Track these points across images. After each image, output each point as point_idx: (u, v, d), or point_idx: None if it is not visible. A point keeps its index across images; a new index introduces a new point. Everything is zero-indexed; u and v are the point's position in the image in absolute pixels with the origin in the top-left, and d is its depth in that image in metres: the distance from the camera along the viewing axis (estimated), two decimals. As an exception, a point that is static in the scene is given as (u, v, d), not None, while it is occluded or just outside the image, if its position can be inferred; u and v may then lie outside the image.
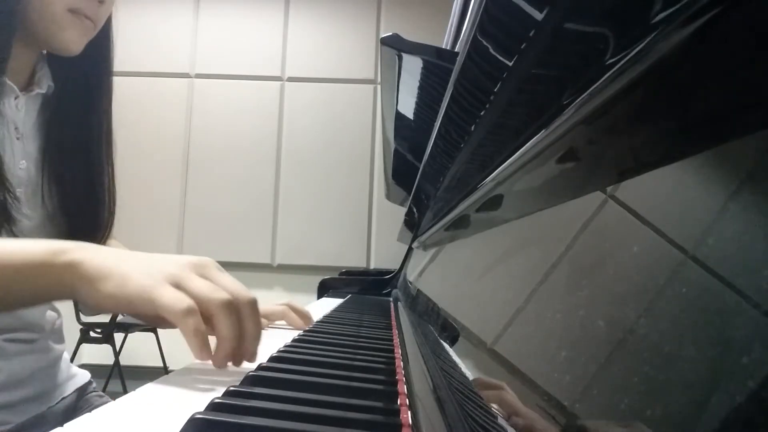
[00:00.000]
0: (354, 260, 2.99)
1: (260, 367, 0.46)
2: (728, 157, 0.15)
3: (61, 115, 0.76)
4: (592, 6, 0.23)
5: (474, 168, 0.52)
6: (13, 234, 0.67)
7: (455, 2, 1.31)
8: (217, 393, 0.37)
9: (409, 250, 1.48)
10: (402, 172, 1.59)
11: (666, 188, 0.19)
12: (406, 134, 1.38)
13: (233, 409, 0.33)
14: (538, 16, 0.27)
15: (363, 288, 1.62)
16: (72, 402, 0.82)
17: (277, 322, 0.88)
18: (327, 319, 0.88)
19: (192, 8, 3.17)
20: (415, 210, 1.24)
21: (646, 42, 0.18)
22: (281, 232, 3.07)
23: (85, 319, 2.51)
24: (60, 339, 0.82)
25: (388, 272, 1.64)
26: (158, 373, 0.46)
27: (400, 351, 0.61)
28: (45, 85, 0.74)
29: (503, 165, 0.38)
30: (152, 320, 0.50)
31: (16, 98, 0.71)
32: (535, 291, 0.29)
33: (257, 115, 3.10)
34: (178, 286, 0.46)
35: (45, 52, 0.76)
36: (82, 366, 0.90)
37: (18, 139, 0.71)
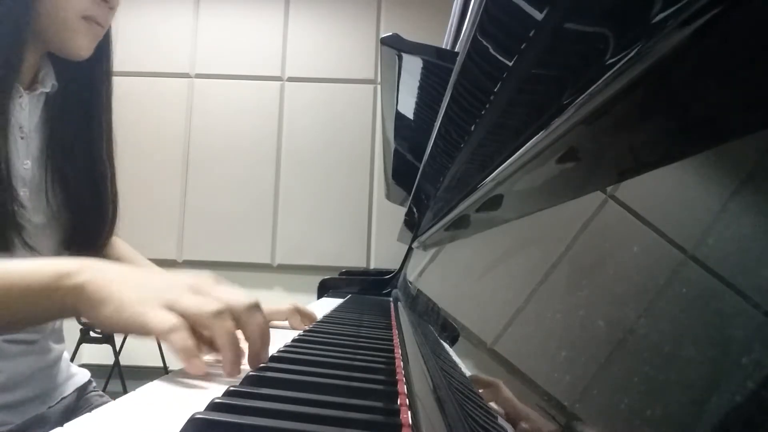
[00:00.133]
0: (354, 260, 2.99)
1: (260, 367, 0.46)
2: (728, 157, 0.15)
3: (64, 114, 0.76)
4: (592, 6, 0.23)
5: (474, 168, 0.52)
6: (21, 239, 0.67)
7: (455, 2, 1.31)
8: (217, 393, 0.37)
9: (409, 250, 1.48)
10: (402, 172, 1.59)
11: (666, 188, 0.19)
12: (406, 134, 1.38)
13: (233, 409, 0.33)
14: (538, 16, 0.27)
15: (363, 288, 1.62)
16: (72, 402, 0.82)
17: (277, 323, 0.88)
18: (327, 319, 0.88)
19: (192, 8, 3.17)
20: (415, 210, 1.24)
21: (646, 42, 0.18)
22: (281, 232, 3.07)
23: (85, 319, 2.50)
24: (60, 339, 0.82)
25: (388, 272, 1.64)
26: (158, 373, 0.46)
27: (400, 351, 0.61)
28: (49, 84, 0.74)
29: (503, 165, 0.38)
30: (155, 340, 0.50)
31: (20, 97, 0.71)
32: (535, 291, 0.29)
33: (257, 115, 3.10)
34: (171, 307, 0.47)
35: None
36: (82, 366, 0.90)
37: (22, 138, 0.71)
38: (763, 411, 0.11)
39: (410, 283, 1.10)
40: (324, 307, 1.15)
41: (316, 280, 1.69)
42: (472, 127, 0.46)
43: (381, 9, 3.15)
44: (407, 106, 1.26)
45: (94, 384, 0.89)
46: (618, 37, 0.21)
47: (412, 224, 1.35)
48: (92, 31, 0.71)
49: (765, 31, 0.14)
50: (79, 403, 0.83)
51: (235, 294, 0.50)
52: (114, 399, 0.39)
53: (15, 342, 0.72)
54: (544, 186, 0.33)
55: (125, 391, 0.47)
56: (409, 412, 0.36)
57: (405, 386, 0.43)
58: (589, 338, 0.20)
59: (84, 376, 0.87)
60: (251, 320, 0.49)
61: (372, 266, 2.99)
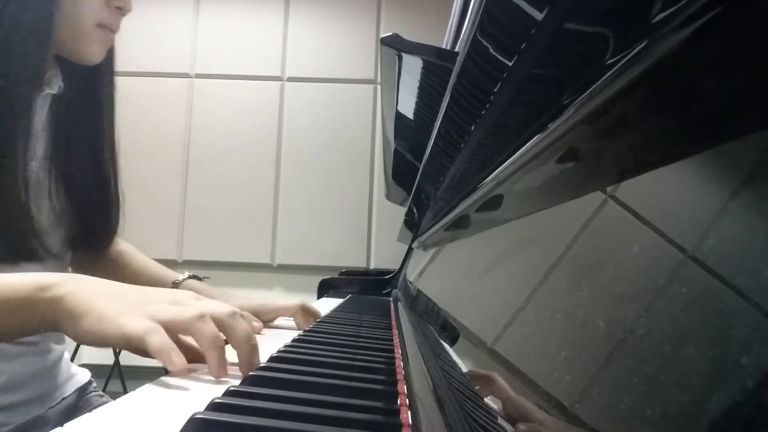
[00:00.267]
0: (354, 260, 2.99)
1: (260, 367, 0.46)
2: (728, 157, 0.15)
3: (69, 115, 0.77)
4: (592, 6, 0.23)
5: (474, 168, 0.52)
6: (43, 248, 0.68)
7: (455, 2, 1.31)
8: (217, 393, 0.37)
9: (409, 250, 1.47)
10: (402, 172, 1.59)
11: (666, 188, 0.19)
12: (406, 134, 1.38)
13: (233, 409, 0.33)
14: (538, 16, 0.27)
15: (363, 288, 1.62)
16: (72, 402, 0.82)
17: (277, 323, 0.88)
18: (327, 319, 0.88)
19: (192, 8, 3.17)
20: (415, 210, 1.24)
21: (646, 42, 0.18)
22: (281, 232, 3.07)
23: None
24: (60, 339, 0.82)
25: (388, 272, 1.64)
26: (158, 373, 0.46)
27: (400, 351, 0.61)
28: (55, 86, 0.75)
29: (503, 165, 0.38)
30: (140, 353, 0.50)
31: None
32: (535, 291, 0.29)
33: (257, 115, 3.10)
34: (151, 317, 0.47)
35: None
36: (82, 366, 0.90)
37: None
38: (763, 411, 0.11)
39: (410, 283, 1.10)
40: (324, 307, 1.15)
41: (316, 280, 1.69)
42: (472, 127, 0.46)
43: (381, 9, 3.15)
44: (407, 106, 1.26)
45: (94, 384, 0.89)
46: (618, 37, 0.21)
47: (412, 224, 1.35)
48: (105, 38, 0.73)
49: (765, 31, 0.14)
50: (80, 404, 0.83)
51: (214, 303, 0.51)
52: (114, 399, 0.39)
53: (16, 343, 0.72)
54: (544, 186, 0.33)
55: (125, 391, 0.47)
56: (409, 412, 0.36)
57: (405, 386, 0.43)
58: (589, 338, 0.20)
59: (84, 376, 0.87)
60: (235, 325, 0.49)
61: (372, 266, 2.99)
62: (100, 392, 0.88)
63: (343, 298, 1.47)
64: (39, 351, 0.76)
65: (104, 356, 2.67)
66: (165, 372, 0.47)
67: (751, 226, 0.14)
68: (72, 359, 1.03)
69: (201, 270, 1.05)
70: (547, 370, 0.23)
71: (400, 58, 1.09)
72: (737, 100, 0.15)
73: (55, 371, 0.80)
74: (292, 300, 0.88)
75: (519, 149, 0.34)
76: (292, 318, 0.86)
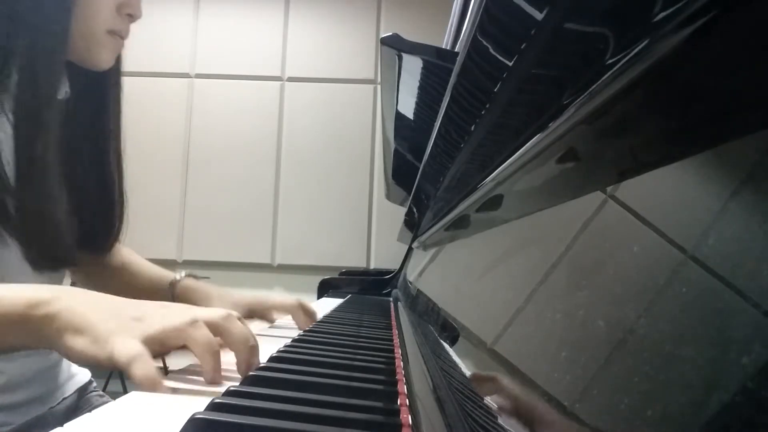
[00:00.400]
0: (354, 260, 2.99)
1: (260, 367, 0.46)
2: (728, 157, 0.15)
3: (75, 119, 0.77)
4: (592, 6, 0.23)
5: (474, 168, 0.52)
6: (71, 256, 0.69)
7: (455, 2, 1.31)
8: (218, 393, 0.37)
9: (409, 250, 1.47)
10: (402, 172, 1.58)
11: (666, 188, 0.19)
12: (406, 134, 1.38)
13: (233, 409, 0.33)
14: (538, 16, 0.27)
15: (363, 288, 1.62)
16: (73, 402, 0.82)
17: (278, 323, 0.88)
18: (327, 319, 0.88)
19: (192, 8, 3.17)
20: (415, 210, 1.24)
21: (646, 42, 0.18)
22: (281, 232, 3.06)
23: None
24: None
25: (388, 272, 1.64)
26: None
27: (400, 351, 0.61)
28: (63, 91, 0.75)
29: (503, 165, 0.38)
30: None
31: None
32: (535, 291, 0.29)
33: (257, 115, 3.10)
34: (143, 334, 0.46)
35: None
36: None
37: None
38: (763, 411, 0.11)
39: (410, 283, 1.09)
40: (324, 307, 1.15)
41: (316, 280, 1.69)
42: (472, 127, 0.46)
43: (381, 9, 3.15)
44: (407, 106, 1.26)
45: (94, 384, 0.89)
46: (618, 37, 0.21)
47: (412, 224, 1.35)
48: (115, 44, 0.75)
49: (765, 31, 0.14)
50: (80, 404, 0.83)
51: (209, 309, 0.51)
52: (114, 399, 0.39)
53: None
54: (544, 186, 0.33)
55: (125, 391, 0.47)
56: (409, 412, 0.36)
57: (405, 386, 0.43)
58: (589, 338, 0.20)
59: (85, 376, 0.87)
60: (230, 328, 0.49)
61: (372, 266, 2.99)
62: (101, 392, 0.88)
63: (343, 298, 1.47)
64: (40, 351, 0.76)
65: (104, 356, 2.66)
66: (165, 372, 0.47)
67: (751, 226, 0.14)
68: (72, 359, 1.03)
69: (201, 270, 1.05)
70: (547, 370, 0.23)
71: (400, 58, 1.09)
72: (737, 100, 0.15)
73: (56, 371, 0.80)
74: (289, 298, 0.88)
75: (519, 149, 0.34)
76: (289, 315, 0.87)
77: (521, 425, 0.23)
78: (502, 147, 0.39)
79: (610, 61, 0.21)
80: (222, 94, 3.12)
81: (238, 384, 0.40)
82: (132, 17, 0.75)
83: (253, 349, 0.49)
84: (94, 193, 0.80)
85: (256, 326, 0.86)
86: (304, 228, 3.05)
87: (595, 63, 0.22)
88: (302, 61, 3.14)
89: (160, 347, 0.47)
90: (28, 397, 0.73)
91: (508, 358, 0.30)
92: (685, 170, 0.17)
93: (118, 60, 0.80)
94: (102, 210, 0.81)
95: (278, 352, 0.53)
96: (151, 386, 0.44)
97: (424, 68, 1.08)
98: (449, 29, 1.35)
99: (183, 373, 0.49)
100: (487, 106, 0.40)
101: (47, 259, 0.69)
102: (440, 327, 0.53)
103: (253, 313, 0.86)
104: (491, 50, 0.36)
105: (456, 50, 1.09)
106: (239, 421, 0.31)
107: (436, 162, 0.75)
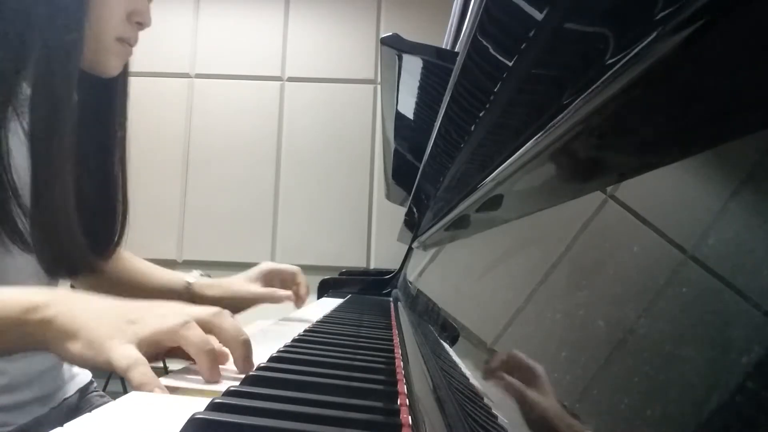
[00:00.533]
0: (354, 260, 2.99)
1: (260, 367, 0.46)
2: (728, 157, 0.15)
3: (81, 125, 0.77)
4: (592, 6, 0.23)
5: (474, 168, 0.52)
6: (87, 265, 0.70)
7: (455, 2, 1.31)
8: (218, 392, 0.37)
9: (409, 250, 1.47)
10: (402, 172, 1.58)
11: (666, 188, 0.19)
12: (406, 134, 1.38)
13: (233, 409, 0.33)
14: (538, 16, 0.27)
15: (363, 288, 1.62)
16: (74, 402, 0.82)
17: (290, 315, 0.90)
18: (327, 319, 0.88)
19: (192, 8, 3.17)
20: (415, 210, 1.24)
21: (646, 42, 0.18)
22: (281, 232, 3.07)
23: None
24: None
25: (388, 272, 1.64)
26: (158, 373, 0.46)
27: (400, 351, 0.61)
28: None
29: (503, 165, 0.38)
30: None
31: None
32: (535, 291, 0.29)
33: (257, 115, 3.10)
34: (137, 337, 0.47)
35: None
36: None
37: None
38: (763, 411, 0.11)
39: (410, 283, 1.09)
40: (324, 307, 1.15)
41: (316, 280, 1.69)
42: (472, 127, 0.46)
43: (381, 9, 3.15)
44: (407, 106, 1.26)
45: (95, 384, 0.89)
46: (618, 37, 0.21)
47: (412, 224, 1.35)
48: (124, 52, 0.76)
49: (765, 31, 0.14)
50: (81, 404, 0.83)
51: (199, 309, 0.51)
52: (114, 399, 0.39)
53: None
54: (544, 186, 0.33)
55: (125, 391, 0.47)
56: (409, 412, 0.36)
57: (405, 386, 0.43)
58: (589, 338, 0.20)
59: (86, 376, 0.87)
60: (220, 324, 0.49)
61: (372, 266, 2.99)
62: (101, 392, 0.88)
63: (343, 298, 1.47)
64: (41, 352, 0.76)
65: (104, 356, 2.66)
66: (165, 372, 0.47)
67: (751, 226, 0.14)
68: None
69: (201, 270, 1.05)
70: (547, 370, 0.23)
71: (400, 58, 1.09)
72: (737, 100, 0.15)
73: (58, 372, 0.80)
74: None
75: (519, 149, 0.34)
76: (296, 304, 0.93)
77: (522, 420, 0.23)
78: (502, 147, 0.39)
79: (610, 62, 0.21)
80: (222, 94, 3.12)
81: (238, 384, 0.40)
82: (141, 25, 0.75)
83: (246, 343, 0.50)
84: (98, 198, 0.80)
85: (268, 320, 0.89)
86: (304, 228, 3.05)
87: (595, 63, 0.22)
88: (302, 61, 3.14)
89: (155, 349, 0.47)
90: (30, 398, 0.73)
91: (508, 358, 0.30)
92: (685, 170, 0.17)
93: (125, 67, 0.81)
94: (104, 216, 0.81)
95: (278, 351, 0.53)
96: (150, 391, 0.44)
97: (424, 68, 1.08)
98: (449, 29, 1.35)
99: (183, 372, 0.49)
100: (487, 106, 0.40)
101: (63, 267, 0.69)
102: (440, 327, 0.53)
103: (272, 278, 0.94)
104: (491, 50, 0.36)
105: (456, 50, 1.09)
106: (239, 421, 0.31)
107: (436, 162, 0.75)
